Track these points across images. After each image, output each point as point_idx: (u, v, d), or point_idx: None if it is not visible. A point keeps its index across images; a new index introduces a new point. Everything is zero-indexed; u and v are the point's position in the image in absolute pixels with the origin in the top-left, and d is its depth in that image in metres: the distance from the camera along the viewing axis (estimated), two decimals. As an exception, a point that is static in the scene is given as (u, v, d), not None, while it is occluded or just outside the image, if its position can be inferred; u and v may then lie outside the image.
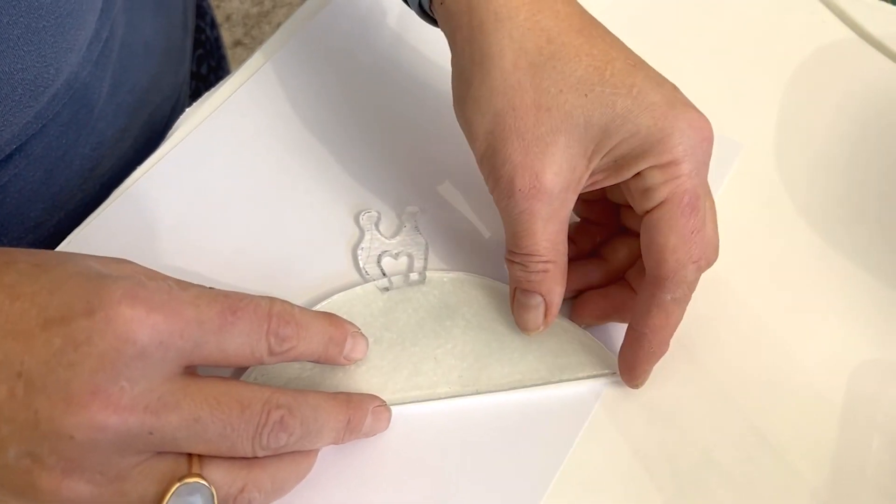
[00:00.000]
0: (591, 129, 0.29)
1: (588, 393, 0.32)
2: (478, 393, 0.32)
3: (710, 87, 0.41)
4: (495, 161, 0.30)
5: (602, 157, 0.29)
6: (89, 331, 0.23)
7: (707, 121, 0.29)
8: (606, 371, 0.32)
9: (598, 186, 0.31)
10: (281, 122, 0.39)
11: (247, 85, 0.40)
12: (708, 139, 0.29)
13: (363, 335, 0.31)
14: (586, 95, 0.29)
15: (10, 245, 0.39)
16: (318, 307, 0.33)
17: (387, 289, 0.34)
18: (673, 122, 0.28)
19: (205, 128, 0.38)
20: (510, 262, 0.31)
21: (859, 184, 0.38)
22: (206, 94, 0.39)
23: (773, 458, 0.31)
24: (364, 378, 0.32)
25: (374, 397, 0.30)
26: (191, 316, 0.25)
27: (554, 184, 0.29)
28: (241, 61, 0.41)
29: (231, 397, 0.25)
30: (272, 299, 0.27)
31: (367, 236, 0.35)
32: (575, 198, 0.30)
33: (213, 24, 0.58)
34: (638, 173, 0.29)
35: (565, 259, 0.31)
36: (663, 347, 0.31)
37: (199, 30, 0.54)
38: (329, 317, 0.29)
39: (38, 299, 0.24)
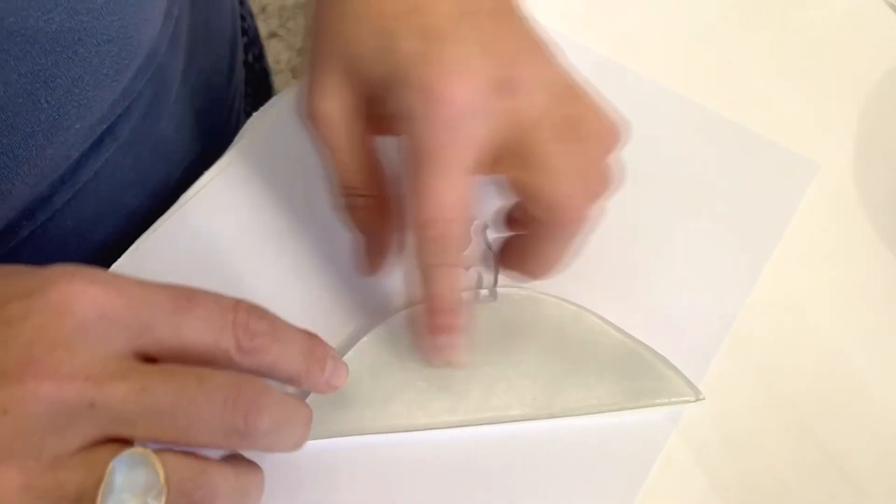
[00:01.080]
0: (344, 57, 0.29)
1: (665, 420, 0.31)
2: (552, 417, 0.31)
3: (787, 107, 0.40)
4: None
5: (364, 87, 0.29)
6: (25, 309, 0.22)
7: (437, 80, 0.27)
8: (684, 398, 0.31)
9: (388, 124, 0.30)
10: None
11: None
12: (438, 100, 0.26)
13: (343, 362, 0.28)
14: (345, 22, 0.29)
15: (108, 234, 0.39)
16: (387, 322, 0.32)
17: (456, 305, 0.33)
18: (398, 85, 0.27)
19: (268, 136, 0.38)
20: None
21: (941, 208, 0.37)
22: (271, 101, 0.39)
23: (853, 493, 0.30)
24: (437, 398, 0.31)
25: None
26: (136, 293, 0.23)
27: (326, 103, 0.29)
28: (276, 52, 0.41)
29: (187, 371, 0.23)
30: (238, 298, 0.25)
31: (438, 250, 0.35)
32: (362, 121, 0.30)
33: (252, 14, 0.58)
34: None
35: (382, 191, 0.30)
36: (434, 320, 0.29)
37: (241, 18, 0.54)
38: (305, 330, 0.27)
39: None
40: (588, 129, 0.28)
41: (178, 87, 0.40)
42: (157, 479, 0.22)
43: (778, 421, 0.32)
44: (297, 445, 0.26)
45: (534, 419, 0.31)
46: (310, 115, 0.30)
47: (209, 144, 0.45)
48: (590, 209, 0.28)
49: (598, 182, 0.29)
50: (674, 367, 0.32)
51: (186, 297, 0.24)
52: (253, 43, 0.57)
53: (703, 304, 0.34)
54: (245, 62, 0.55)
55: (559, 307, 0.33)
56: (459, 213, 0.27)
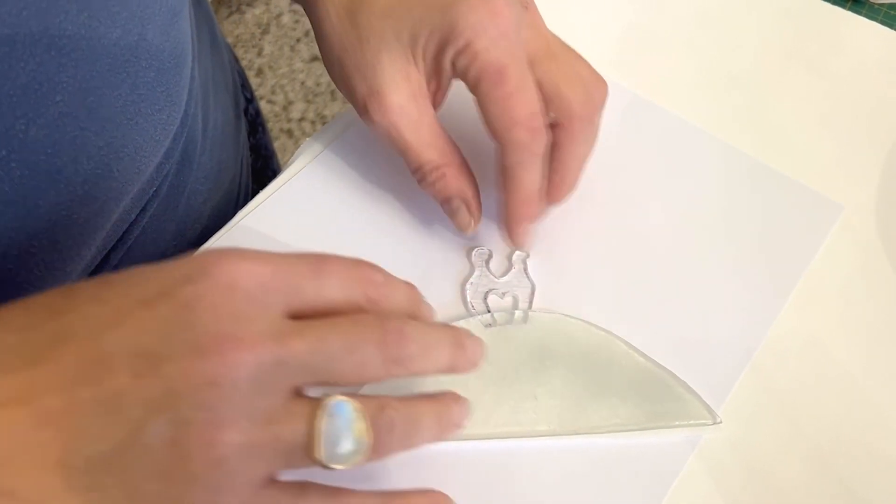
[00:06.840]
0: (402, 40, 0.34)
1: (684, 442, 0.33)
2: (576, 434, 0.33)
3: (815, 150, 0.42)
4: (353, 98, 0.36)
5: (423, 60, 0.34)
6: (195, 292, 0.24)
7: None
8: (702, 421, 0.33)
9: (445, 87, 0.36)
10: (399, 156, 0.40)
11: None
12: (496, 12, 0.32)
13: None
14: (390, 16, 0.34)
15: None
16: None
17: (490, 325, 0.35)
18: (455, 10, 0.32)
19: (322, 159, 0.41)
20: (418, 182, 0.36)
21: (962, 253, 0.38)
22: (324, 127, 0.41)
23: (866, 523, 0.32)
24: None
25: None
26: (278, 262, 0.26)
27: (397, 95, 0.34)
28: (317, 76, 0.43)
29: (343, 319, 0.26)
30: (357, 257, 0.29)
31: (477, 272, 0.37)
32: (428, 102, 0.35)
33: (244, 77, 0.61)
34: (452, 64, 0.33)
35: (457, 157, 0.36)
36: (525, 210, 0.35)
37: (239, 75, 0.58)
38: (405, 282, 0.30)
39: (131, 290, 0.25)
40: (568, 47, 0.36)
41: (201, 141, 0.43)
42: (363, 417, 0.25)
43: (797, 452, 0.33)
44: (452, 365, 0.28)
45: (559, 435, 0.33)
46: (388, 109, 0.34)
47: (227, 193, 0.48)
48: (596, 110, 0.35)
49: (597, 86, 0.35)
50: (693, 392, 0.33)
51: (319, 261, 0.27)
52: (249, 101, 0.59)
53: (726, 335, 0.36)
54: (245, 111, 0.58)
55: (587, 331, 0.35)
56: (539, 106, 0.33)
